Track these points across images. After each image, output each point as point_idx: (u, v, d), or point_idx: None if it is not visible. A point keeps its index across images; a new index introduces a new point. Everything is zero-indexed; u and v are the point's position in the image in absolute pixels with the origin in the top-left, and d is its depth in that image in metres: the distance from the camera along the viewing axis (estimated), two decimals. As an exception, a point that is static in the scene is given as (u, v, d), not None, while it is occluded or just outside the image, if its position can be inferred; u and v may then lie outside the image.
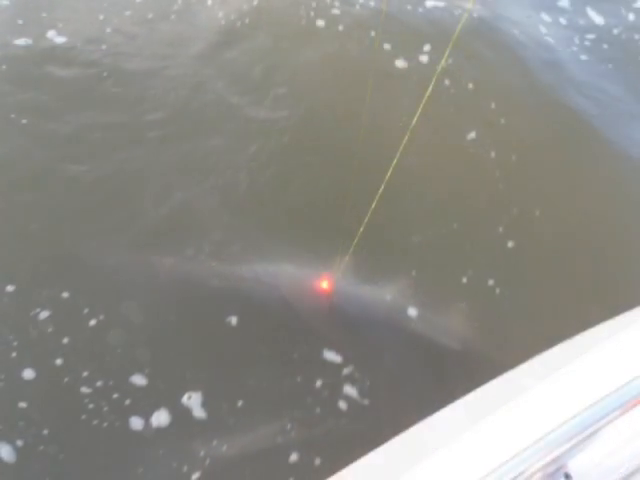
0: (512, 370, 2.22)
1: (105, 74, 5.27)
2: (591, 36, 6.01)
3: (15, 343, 3.74)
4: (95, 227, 4.31)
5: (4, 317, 3.85)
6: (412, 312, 3.95)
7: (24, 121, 4.84)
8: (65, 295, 3.94)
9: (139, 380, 3.63)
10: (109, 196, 4.47)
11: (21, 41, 5.44)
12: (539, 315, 4.04)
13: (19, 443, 3.38)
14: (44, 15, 5.74)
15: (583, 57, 5.76)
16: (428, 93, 3.31)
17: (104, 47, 5.51)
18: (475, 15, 5.96)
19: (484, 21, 5.93)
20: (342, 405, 3.60)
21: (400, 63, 5.48)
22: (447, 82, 5.30)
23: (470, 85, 5.33)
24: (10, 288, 3.95)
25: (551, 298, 4.14)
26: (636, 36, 6.07)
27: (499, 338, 3.92)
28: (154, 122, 4.94)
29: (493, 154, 4.83)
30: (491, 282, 4.12)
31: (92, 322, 3.84)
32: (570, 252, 4.37)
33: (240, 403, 3.59)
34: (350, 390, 3.65)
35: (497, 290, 4.10)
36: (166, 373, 3.69)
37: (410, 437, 2.04)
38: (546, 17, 6.17)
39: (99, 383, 3.61)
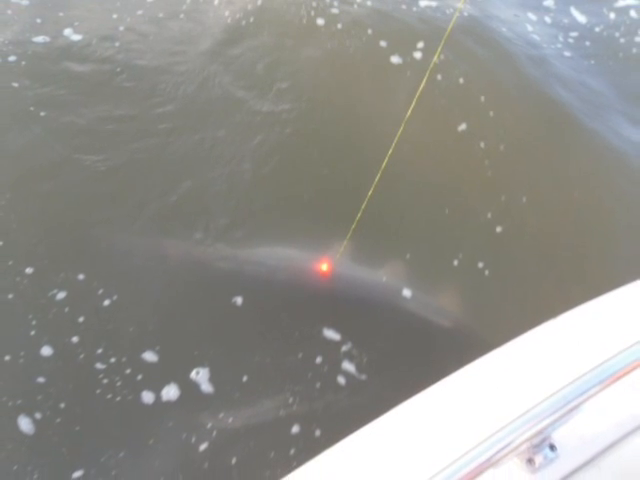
0: (500, 347, 2.18)
1: (118, 70, 5.20)
2: (574, 34, 5.93)
3: (34, 322, 3.70)
4: (109, 213, 4.26)
5: (23, 297, 3.81)
6: (406, 293, 3.91)
7: (42, 114, 4.78)
8: (81, 277, 3.90)
9: (150, 357, 3.60)
10: (122, 184, 4.41)
11: (39, 39, 5.37)
12: (525, 296, 4.00)
13: (37, 416, 3.35)
14: (61, 14, 5.66)
15: (567, 53, 5.69)
16: (421, 87, 3.26)
17: (117, 44, 5.44)
18: (466, 14, 5.89)
19: (474, 20, 5.85)
20: (341, 380, 3.56)
21: (395, 59, 5.41)
22: (439, 77, 5.24)
23: (461, 80, 5.26)
24: (29, 270, 3.90)
25: (537, 280, 4.10)
26: (617, 34, 6.00)
27: (488, 317, 3.88)
28: (164, 115, 4.88)
29: (482, 144, 4.78)
30: (480, 265, 4.07)
31: (106, 302, 3.80)
32: (554, 237, 4.32)
33: (245, 378, 3.55)
34: (348, 366, 3.61)
35: (486, 272, 4.05)
36: (175, 350, 3.65)
37: (403, 411, 2.00)
38: (532, 16, 6.10)
39: (112, 359, 3.57)
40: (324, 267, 3.79)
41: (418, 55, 5.43)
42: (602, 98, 5.29)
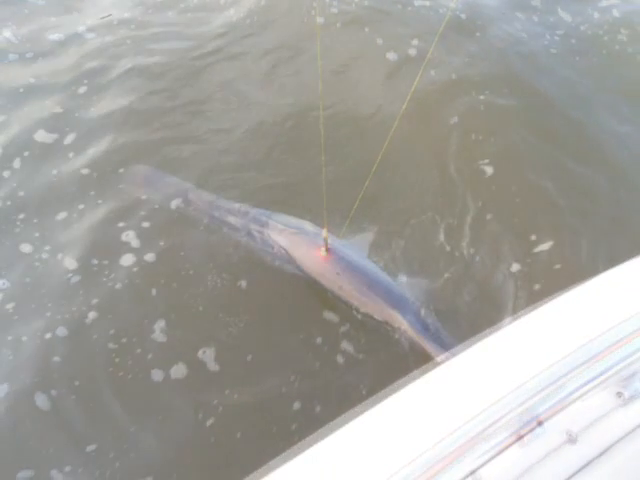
0: (492, 332, 2.13)
1: (129, 66, 5.18)
2: (560, 32, 5.84)
3: (49, 304, 3.68)
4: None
5: (41, 281, 3.80)
6: (402, 277, 3.86)
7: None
8: (94, 262, 3.88)
9: (159, 337, 3.56)
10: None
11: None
12: (513, 279, 3.95)
13: (53, 393, 3.32)
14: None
15: (553, 50, 5.61)
16: (416, 82, 3.22)
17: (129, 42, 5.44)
18: (458, 13, 5.82)
19: (466, 18, 5.79)
20: (340, 359, 3.52)
21: (391, 56, 5.35)
22: (432, 72, 5.18)
23: (453, 75, 5.20)
24: (45, 256, 3.90)
25: (524, 263, 4.05)
26: (600, 32, 5.91)
27: (478, 301, 3.83)
28: (175, 107, 4.94)
29: (473, 136, 4.73)
30: (472, 250, 4.02)
31: (117, 286, 3.77)
32: (541, 224, 4.27)
33: (249, 357, 3.51)
34: (347, 346, 3.57)
35: (476, 258, 4.01)
36: (183, 331, 3.61)
37: (402, 390, 1.97)
38: (520, 15, 6.00)
39: (124, 340, 3.54)
40: (324, 252, 3.72)
41: (413, 52, 5.38)
42: (586, 91, 5.22)
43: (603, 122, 4.97)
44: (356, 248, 3.86)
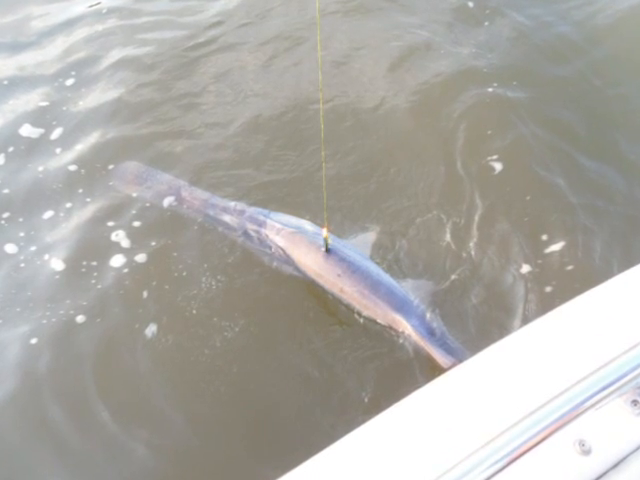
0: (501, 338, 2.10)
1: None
2: (573, 21, 5.75)
3: (35, 308, 3.72)
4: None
5: (26, 283, 3.82)
6: (405, 279, 3.85)
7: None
8: (82, 263, 3.88)
9: (151, 342, 3.58)
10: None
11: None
12: (523, 281, 3.94)
13: (39, 399, 3.36)
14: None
15: (565, 40, 5.53)
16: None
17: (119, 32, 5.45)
18: (465, 1, 5.82)
19: (473, 6, 5.78)
20: (341, 365, 3.49)
21: (395, 45, 5.36)
22: (439, 64, 5.19)
23: (460, 67, 5.18)
24: (30, 257, 3.89)
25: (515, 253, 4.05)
26: (614, 21, 5.81)
27: (486, 304, 3.82)
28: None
29: (481, 131, 4.72)
30: (480, 250, 4.01)
31: (106, 288, 3.79)
32: (553, 223, 4.27)
33: (245, 363, 3.51)
34: (348, 351, 3.52)
35: (484, 259, 4.00)
36: (175, 335, 3.62)
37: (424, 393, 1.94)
38: (531, 3, 5.92)
39: (113, 345, 3.59)
40: (324, 248, 3.70)
41: (418, 42, 5.39)
42: (600, 84, 5.22)
43: (618, 116, 4.95)
44: (358, 248, 3.84)
